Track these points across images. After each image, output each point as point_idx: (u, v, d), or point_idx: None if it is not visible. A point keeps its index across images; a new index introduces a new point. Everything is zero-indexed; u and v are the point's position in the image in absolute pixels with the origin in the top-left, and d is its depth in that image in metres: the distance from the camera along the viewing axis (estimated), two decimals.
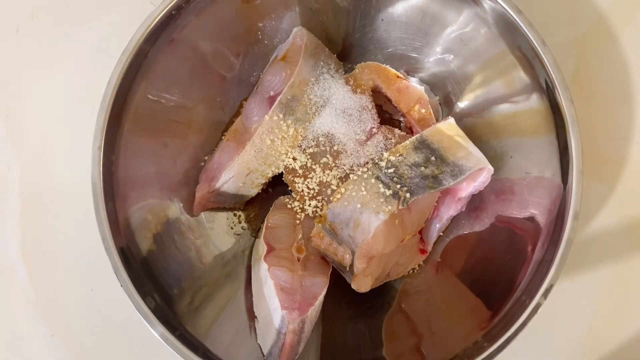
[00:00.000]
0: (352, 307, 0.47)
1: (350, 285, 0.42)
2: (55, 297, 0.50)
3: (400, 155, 0.42)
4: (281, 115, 0.44)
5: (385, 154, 0.42)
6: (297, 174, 0.46)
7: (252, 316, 0.44)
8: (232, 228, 0.49)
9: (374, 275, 0.42)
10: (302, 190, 0.46)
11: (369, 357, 0.44)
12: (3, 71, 0.52)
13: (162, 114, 0.45)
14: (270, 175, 0.47)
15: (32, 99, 0.52)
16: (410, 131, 0.48)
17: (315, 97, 0.45)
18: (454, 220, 0.47)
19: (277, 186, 0.50)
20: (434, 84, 0.49)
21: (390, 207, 0.40)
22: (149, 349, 0.49)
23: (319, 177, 0.45)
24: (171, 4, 0.40)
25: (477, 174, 0.42)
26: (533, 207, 0.42)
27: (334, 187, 0.45)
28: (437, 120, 0.47)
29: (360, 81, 0.47)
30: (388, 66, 0.47)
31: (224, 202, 0.48)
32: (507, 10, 0.39)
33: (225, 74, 0.48)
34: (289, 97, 0.44)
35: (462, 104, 0.47)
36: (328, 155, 0.45)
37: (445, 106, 0.49)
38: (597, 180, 0.49)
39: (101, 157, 0.40)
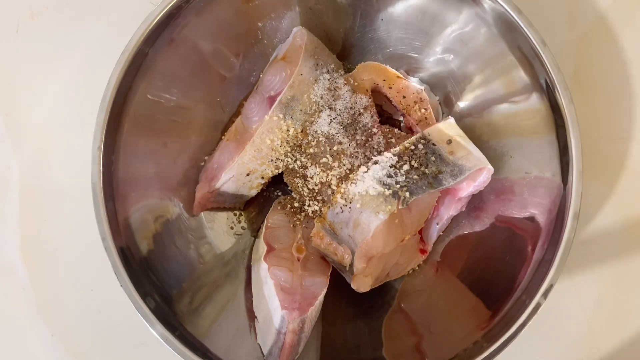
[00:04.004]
0: (352, 307, 0.47)
1: (350, 285, 0.42)
2: (55, 297, 0.50)
3: (400, 155, 0.42)
4: (281, 115, 0.44)
5: (385, 154, 0.42)
6: (297, 174, 0.46)
7: (252, 316, 0.44)
8: (232, 228, 0.49)
9: (374, 275, 0.42)
10: (302, 190, 0.46)
11: (368, 357, 0.44)
12: (3, 71, 0.52)
13: (162, 114, 0.45)
14: (270, 175, 0.47)
15: (32, 99, 0.52)
16: (410, 131, 0.48)
17: (315, 97, 0.45)
18: (454, 220, 0.47)
19: (277, 186, 0.50)
20: (434, 84, 0.49)
21: (390, 207, 0.40)
22: (149, 349, 0.49)
23: (319, 177, 0.45)
24: (171, 4, 0.40)
25: (477, 173, 0.42)
26: (533, 207, 0.42)
27: (334, 187, 0.45)
28: (437, 120, 0.47)
29: (360, 81, 0.47)
30: (388, 66, 0.47)
31: (223, 202, 0.48)
32: (507, 10, 0.39)
33: (225, 74, 0.48)
34: (289, 97, 0.44)
35: (462, 104, 0.47)
36: (328, 155, 0.45)
37: (445, 106, 0.49)
38: (597, 180, 0.49)
39: (101, 157, 0.40)
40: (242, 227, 0.50)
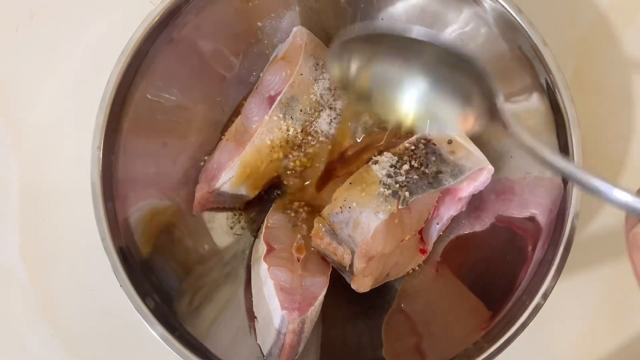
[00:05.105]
0: (352, 307, 0.47)
1: (350, 285, 0.42)
2: (55, 297, 0.50)
3: (400, 155, 0.42)
4: (281, 115, 0.44)
5: (385, 154, 0.42)
6: (297, 174, 0.46)
7: (252, 316, 0.44)
8: (232, 228, 0.49)
9: (374, 275, 0.42)
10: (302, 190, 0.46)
11: (368, 357, 0.44)
12: (3, 71, 0.52)
13: (161, 114, 0.45)
14: (270, 175, 0.47)
15: (32, 99, 0.52)
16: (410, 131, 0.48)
17: (315, 97, 0.45)
18: (454, 220, 0.47)
19: (277, 186, 0.50)
20: None
21: (389, 207, 0.40)
22: (148, 349, 0.49)
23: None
24: (171, 4, 0.40)
25: (478, 173, 0.42)
26: (533, 207, 0.42)
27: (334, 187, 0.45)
28: None
29: None
30: None
31: (223, 202, 0.48)
32: (507, 10, 0.39)
33: (225, 74, 0.48)
34: (289, 97, 0.44)
35: None
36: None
37: None
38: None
39: (100, 157, 0.40)
40: (242, 227, 0.49)
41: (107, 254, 0.39)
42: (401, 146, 0.42)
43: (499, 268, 0.43)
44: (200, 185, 0.47)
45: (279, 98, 0.44)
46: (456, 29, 0.45)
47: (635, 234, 0.30)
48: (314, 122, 0.45)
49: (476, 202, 0.46)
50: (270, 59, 0.48)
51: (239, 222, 0.50)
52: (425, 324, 0.45)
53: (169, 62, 0.43)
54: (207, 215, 0.48)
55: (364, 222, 0.40)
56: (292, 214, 0.47)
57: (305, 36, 0.45)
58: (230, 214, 0.49)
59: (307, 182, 0.46)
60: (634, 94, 0.49)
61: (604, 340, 0.49)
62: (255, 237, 0.49)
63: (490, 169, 0.41)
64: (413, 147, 0.42)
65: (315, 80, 0.45)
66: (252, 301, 0.45)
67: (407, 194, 0.40)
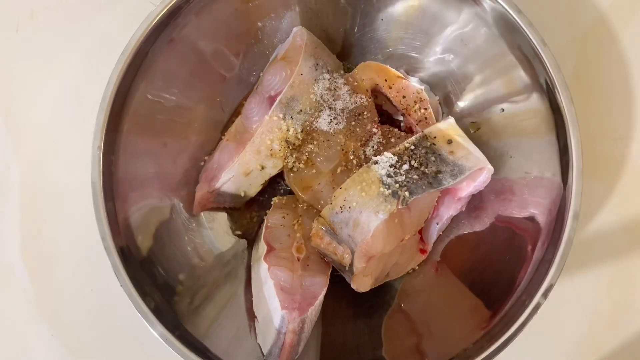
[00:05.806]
0: (352, 307, 0.47)
1: (350, 285, 0.42)
2: (55, 297, 0.50)
3: (400, 155, 0.42)
4: (281, 115, 0.44)
5: (385, 154, 0.42)
6: (297, 174, 0.46)
7: (252, 316, 0.44)
8: (232, 228, 0.49)
9: (374, 274, 0.42)
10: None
11: (368, 357, 0.44)
12: (3, 71, 0.52)
13: (162, 114, 0.45)
14: (270, 175, 0.47)
15: (32, 99, 0.52)
16: (410, 131, 0.48)
17: (315, 97, 0.45)
18: (454, 220, 0.47)
19: (277, 186, 0.50)
20: (434, 84, 0.49)
21: (389, 207, 0.40)
22: (149, 349, 0.49)
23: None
24: (171, 4, 0.40)
25: (477, 173, 0.42)
26: (533, 207, 0.42)
27: (334, 187, 0.45)
28: (437, 120, 0.47)
29: (360, 81, 0.47)
30: (388, 66, 0.47)
31: (223, 202, 0.48)
32: (507, 10, 0.39)
33: (225, 74, 0.48)
34: (289, 97, 0.44)
35: (462, 104, 0.47)
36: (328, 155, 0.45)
37: (445, 106, 0.49)
38: (597, 180, 0.49)
39: (101, 157, 0.40)
40: (242, 227, 0.49)
41: (107, 253, 0.39)
42: (401, 146, 0.42)
43: (499, 268, 0.43)
44: (201, 185, 0.47)
45: (279, 98, 0.44)
46: (456, 29, 0.45)
47: None
48: (314, 122, 0.45)
49: (476, 202, 0.46)
50: (270, 59, 0.48)
51: (239, 222, 0.50)
52: (425, 324, 0.45)
53: (169, 62, 0.43)
54: (207, 215, 0.48)
55: (364, 222, 0.40)
56: (292, 214, 0.47)
57: (305, 36, 0.45)
58: (230, 214, 0.49)
59: (307, 182, 0.46)
60: (634, 93, 0.49)
61: (604, 340, 0.49)
62: (255, 237, 0.49)
63: (489, 168, 0.41)
64: (413, 147, 0.42)
65: (315, 80, 0.45)
66: (252, 301, 0.45)
67: (407, 193, 0.40)
